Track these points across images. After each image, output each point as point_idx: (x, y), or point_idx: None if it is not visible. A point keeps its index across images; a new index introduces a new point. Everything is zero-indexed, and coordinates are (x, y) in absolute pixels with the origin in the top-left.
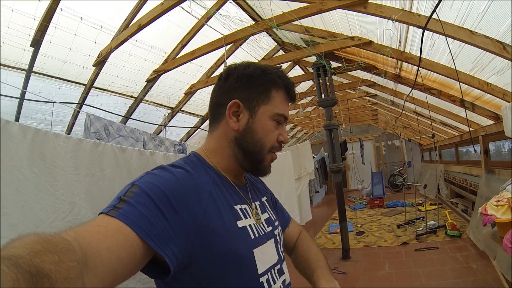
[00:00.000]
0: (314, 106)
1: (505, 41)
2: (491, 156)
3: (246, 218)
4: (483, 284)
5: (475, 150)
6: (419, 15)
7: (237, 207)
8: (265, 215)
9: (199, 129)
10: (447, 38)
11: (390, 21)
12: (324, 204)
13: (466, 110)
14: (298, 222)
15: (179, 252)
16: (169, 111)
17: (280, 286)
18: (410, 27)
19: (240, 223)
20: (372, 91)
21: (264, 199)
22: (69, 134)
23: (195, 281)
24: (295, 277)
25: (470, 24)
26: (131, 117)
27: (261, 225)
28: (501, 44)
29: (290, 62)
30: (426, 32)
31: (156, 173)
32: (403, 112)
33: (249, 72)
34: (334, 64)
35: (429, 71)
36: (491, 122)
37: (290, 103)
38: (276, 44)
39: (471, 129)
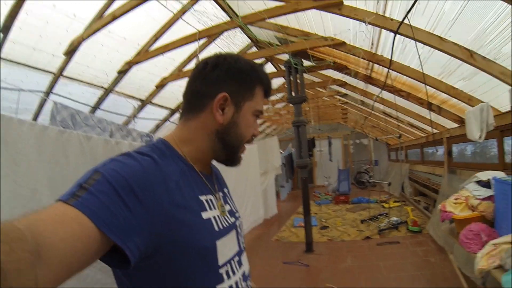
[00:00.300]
0: (285, 103)
1: (473, 49)
2: (454, 157)
3: (211, 209)
4: (441, 277)
5: (436, 150)
6: (391, 19)
7: (203, 197)
8: (228, 207)
9: (168, 122)
10: (417, 43)
11: (363, 24)
12: (290, 198)
13: (433, 113)
14: (262, 215)
15: (143, 244)
16: (139, 103)
17: (240, 278)
18: (383, 30)
19: (205, 215)
20: (343, 90)
21: (225, 190)
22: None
23: (156, 271)
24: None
25: (440, 31)
26: (100, 107)
27: (225, 216)
28: (469, 52)
29: (263, 59)
30: (397, 36)
31: (121, 160)
32: (372, 112)
33: (239, 67)
34: (306, 63)
35: (399, 74)
36: (455, 125)
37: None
38: (250, 41)
39: (436, 131)
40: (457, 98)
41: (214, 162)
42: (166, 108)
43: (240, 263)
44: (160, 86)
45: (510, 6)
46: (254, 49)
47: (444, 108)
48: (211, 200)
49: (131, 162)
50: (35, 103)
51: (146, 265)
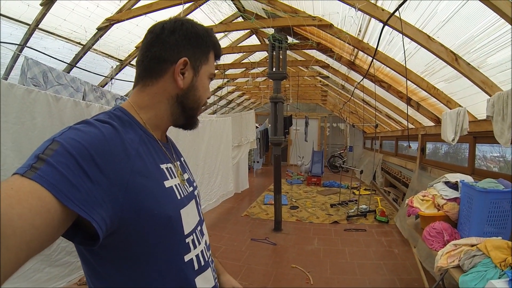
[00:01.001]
0: (265, 77)
1: (459, 53)
2: (427, 154)
3: (172, 178)
4: (403, 268)
5: (409, 146)
6: (382, 9)
7: (163, 166)
8: (186, 175)
9: (137, 80)
10: (405, 37)
11: (353, 9)
12: (262, 174)
13: (411, 108)
14: (233, 189)
15: (108, 216)
16: (118, 63)
17: (204, 247)
18: (372, 19)
19: (167, 183)
20: (325, 72)
21: (182, 159)
22: (7, 78)
23: (122, 245)
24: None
25: (430, 30)
26: (76, 65)
27: (185, 185)
28: (454, 56)
29: (248, 30)
30: (386, 27)
31: (80, 128)
32: (352, 98)
33: (196, 32)
34: (291, 40)
35: (383, 65)
36: (431, 123)
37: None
38: (237, 10)
39: (412, 126)
40: (436, 98)
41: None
42: None
43: (202, 233)
44: None
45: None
46: (240, 19)
47: (422, 105)
48: (171, 168)
49: (91, 130)
50: (7, 57)
51: (110, 241)
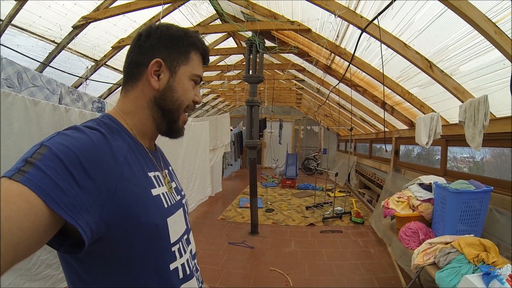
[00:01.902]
0: (240, 80)
1: (433, 61)
2: (400, 157)
3: (159, 186)
4: (379, 267)
5: (386, 150)
6: (361, 16)
7: (151, 174)
8: (174, 184)
9: (121, 87)
10: (382, 44)
11: (333, 15)
12: (236, 177)
13: (385, 112)
14: (210, 194)
15: (94, 222)
16: (93, 63)
17: (189, 256)
18: (350, 25)
19: (154, 191)
20: (300, 76)
21: (170, 168)
22: None
23: (108, 252)
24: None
25: (406, 38)
26: (50, 64)
27: (173, 193)
28: (429, 63)
29: (225, 33)
30: (364, 33)
31: (69, 134)
32: (327, 101)
33: (171, 33)
34: (268, 44)
35: (359, 70)
36: (405, 127)
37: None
38: (215, 12)
39: (386, 129)
40: (410, 103)
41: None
42: (120, 71)
43: (188, 242)
44: (117, 47)
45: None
46: (218, 21)
47: (396, 109)
48: (158, 176)
49: (80, 135)
50: None
51: (96, 248)
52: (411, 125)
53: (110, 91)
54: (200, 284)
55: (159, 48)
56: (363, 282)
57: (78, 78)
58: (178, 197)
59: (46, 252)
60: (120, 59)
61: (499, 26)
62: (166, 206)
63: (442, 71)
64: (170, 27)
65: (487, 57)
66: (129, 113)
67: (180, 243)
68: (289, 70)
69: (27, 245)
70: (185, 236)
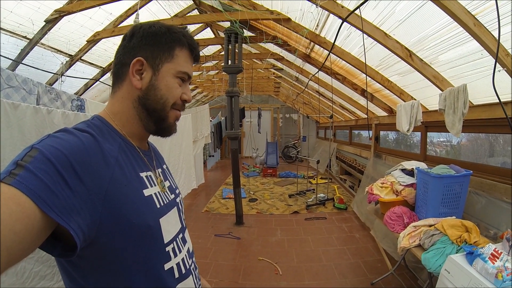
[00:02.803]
0: (218, 71)
1: (413, 50)
2: (380, 142)
3: (151, 186)
4: (365, 251)
5: (370, 137)
6: (342, 6)
7: (143, 174)
8: (167, 183)
9: (98, 82)
10: (363, 34)
11: (314, 5)
12: (217, 168)
13: (365, 99)
14: (194, 186)
15: (85, 224)
16: (68, 59)
17: (185, 255)
18: (331, 15)
19: (146, 192)
20: (279, 65)
21: (164, 166)
22: None
23: (101, 256)
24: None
25: (387, 28)
26: (22, 62)
27: (166, 193)
28: (409, 52)
29: (202, 24)
30: (344, 23)
31: (59, 136)
32: (306, 89)
33: (153, 30)
34: (247, 34)
35: (339, 58)
36: (384, 113)
37: (194, 63)
38: (192, 2)
39: (366, 116)
40: (390, 90)
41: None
42: (97, 66)
43: (184, 240)
44: (93, 41)
45: (454, 21)
46: (195, 12)
47: (376, 96)
48: (150, 176)
49: (70, 138)
50: None
51: (89, 252)
52: (391, 111)
53: (86, 87)
54: (198, 281)
55: (141, 47)
56: (351, 266)
57: (53, 74)
58: (172, 196)
59: (38, 263)
60: (96, 53)
61: (478, 19)
62: (158, 206)
63: (422, 60)
64: (153, 25)
65: (466, 48)
66: (117, 114)
67: (174, 242)
68: (267, 59)
69: (20, 248)
70: (180, 235)
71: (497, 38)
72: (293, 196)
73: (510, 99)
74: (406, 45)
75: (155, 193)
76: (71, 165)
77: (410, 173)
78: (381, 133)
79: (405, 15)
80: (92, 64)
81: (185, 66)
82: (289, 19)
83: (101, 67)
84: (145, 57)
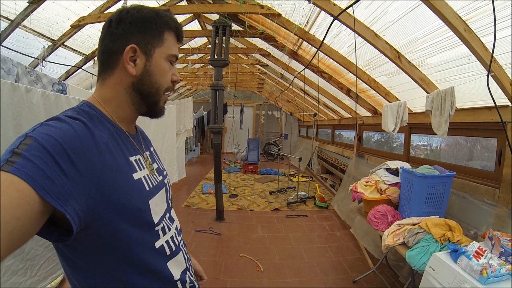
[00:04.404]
0: (202, 64)
1: (402, 52)
2: (363, 143)
3: (140, 169)
4: (346, 249)
5: (356, 136)
6: (334, 4)
7: (132, 158)
8: (155, 165)
9: (80, 69)
10: (353, 32)
11: (306, 1)
12: (198, 163)
13: (350, 99)
14: (175, 180)
15: (81, 209)
16: (50, 43)
17: (174, 233)
18: (322, 12)
19: (135, 175)
20: (264, 60)
21: (152, 149)
22: None
23: (96, 238)
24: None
25: (377, 28)
26: (2, 44)
27: (154, 175)
28: (398, 53)
29: (190, 15)
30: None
31: (52, 124)
32: (291, 87)
33: (143, 16)
34: (235, 27)
35: (326, 56)
36: (369, 114)
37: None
38: None
39: (349, 116)
40: (375, 91)
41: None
42: (80, 53)
43: (171, 219)
44: (77, 26)
45: (443, 23)
46: (184, 2)
47: (361, 96)
48: (139, 160)
49: (63, 126)
50: None
51: (85, 235)
52: (375, 112)
53: (68, 74)
54: (188, 257)
55: (132, 33)
56: (332, 264)
57: (33, 59)
58: (160, 178)
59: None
60: (79, 39)
61: (468, 24)
62: (147, 188)
63: (410, 62)
64: (141, 9)
65: (454, 52)
66: (107, 100)
67: (163, 222)
68: (253, 54)
69: (21, 233)
70: (167, 215)
71: (493, 40)
72: (274, 193)
73: (493, 104)
74: (395, 46)
75: (144, 176)
76: (66, 152)
77: (394, 172)
78: (365, 134)
79: (397, 16)
80: (75, 50)
81: (173, 49)
82: (279, 15)
83: (84, 54)
84: (137, 44)
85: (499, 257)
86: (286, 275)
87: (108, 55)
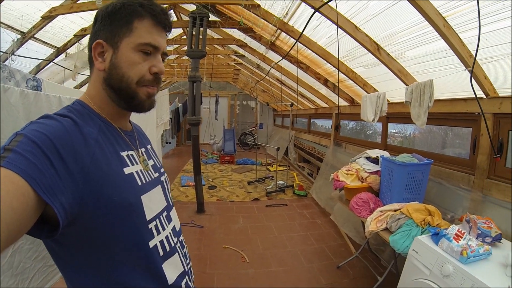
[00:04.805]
0: (178, 55)
1: (381, 44)
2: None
3: (132, 164)
4: (328, 236)
5: (336, 126)
6: None
7: (124, 153)
8: (151, 162)
9: (52, 63)
10: (333, 24)
11: None
12: (174, 155)
13: (327, 89)
14: None
15: (67, 203)
16: (19, 36)
17: (170, 233)
18: (302, 3)
19: (127, 170)
20: (241, 51)
21: (149, 146)
22: None
23: (84, 234)
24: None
25: (358, 21)
26: None
27: (149, 171)
28: (377, 46)
29: (166, 6)
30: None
31: (42, 122)
32: (267, 77)
33: (109, 10)
34: (211, 18)
35: (304, 47)
36: (346, 104)
37: (165, 32)
38: None
39: (326, 105)
40: (353, 81)
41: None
42: (51, 46)
43: (169, 218)
44: (48, 17)
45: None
46: None
47: (339, 86)
48: (132, 155)
49: (52, 122)
50: None
51: (73, 230)
52: (352, 102)
53: (39, 68)
54: (187, 260)
55: (101, 29)
56: (316, 251)
57: (2, 53)
58: (156, 175)
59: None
60: (51, 31)
61: (448, 21)
62: (140, 184)
63: (389, 54)
64: (111, 4)
65: (432, 46)
66: (93, 97)
67: (157, 220)
68: (229, 45)
69: (18, 225)
70: (165, 213)
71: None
72: (252, 183)
73: (470, 96)
74: (375, 39)
75: (136, 171)
76: (55, 148)
77: (374, 161)
78: (341, 123)
79: (378, 10)
80: (46, 43)
81: (146, 37)
82: (258, 5)
83: (55, 47)
84: (104, 38)
85: (476, 238)
86: (271, 265)
87: (89, 53)
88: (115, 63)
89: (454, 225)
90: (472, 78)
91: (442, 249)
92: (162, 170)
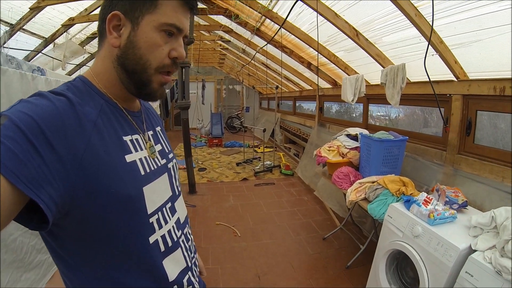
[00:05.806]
0: None
1: (360, 30)
2: (324, 113)
3: (136, 151)
4: (314, 211)
5: (322, 108)
6: None
7: (127, 138)
8: (159, 147)
9: (40, 54)
10: (314, 12)
11: None
12: None
13: (311, 72)
14: None
15: (58, 195)
16: (8, 28)
17: (173, 226)
18: None
19: (129, 157)
20: (227, 36)
21: (158, 128)
22: None
23: (79, 226)
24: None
25: (338, 8)
26: None
27: (155, 158)
28: (356, 32)
29: None
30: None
31: (31, 101)
32: (252, 61)
33: None
34: (199, 5)
35: (288, 32)
36: (329, 86)
37: (190, 14)
38: None
39: (310, 87)
40: (335, 64)
41: None
42: (40, 36)
43: (173, 210)
44: (36, 8)
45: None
46: None
47: (321, 70)
48: (137, 140)
49: (43, 102)
50: None
51: (67, 222)
52: (335, 84)
53: (27, 59)
54: (192, 254)
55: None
56: (303, 225)
57: None
58: (163, 161)
59: (33, 237)
60: (39, 22)
61: (419, 10)
62: (143, 173)
63: (367, 39)
64: None
65: (406, 33)
66: (99, 74)
67: (159, 212)
68: (215, 31)
69: None
70: (169, 204)
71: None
72: (240, 164)
73: (441, 79)
74: (354, 25)
75: (140, 159)
76: (42, 131)
77: (354, 138)
78: (325, 105)
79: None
80: (35, 34)
81: (171, 16)
82: None
83: (44, 37)
84: (123, 11)
85: (444, 205)
86: (262, 238)
87: (100, 24)
88: (133, 41)
89: (423, 192)
90: (439, 61)
91: (412, 214)
92: (170, 155)
